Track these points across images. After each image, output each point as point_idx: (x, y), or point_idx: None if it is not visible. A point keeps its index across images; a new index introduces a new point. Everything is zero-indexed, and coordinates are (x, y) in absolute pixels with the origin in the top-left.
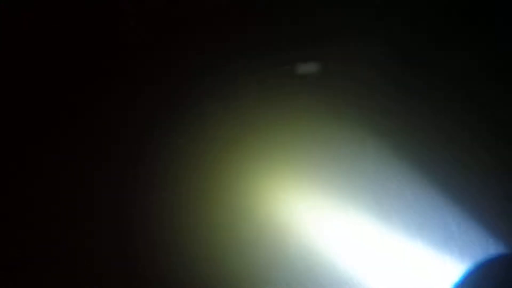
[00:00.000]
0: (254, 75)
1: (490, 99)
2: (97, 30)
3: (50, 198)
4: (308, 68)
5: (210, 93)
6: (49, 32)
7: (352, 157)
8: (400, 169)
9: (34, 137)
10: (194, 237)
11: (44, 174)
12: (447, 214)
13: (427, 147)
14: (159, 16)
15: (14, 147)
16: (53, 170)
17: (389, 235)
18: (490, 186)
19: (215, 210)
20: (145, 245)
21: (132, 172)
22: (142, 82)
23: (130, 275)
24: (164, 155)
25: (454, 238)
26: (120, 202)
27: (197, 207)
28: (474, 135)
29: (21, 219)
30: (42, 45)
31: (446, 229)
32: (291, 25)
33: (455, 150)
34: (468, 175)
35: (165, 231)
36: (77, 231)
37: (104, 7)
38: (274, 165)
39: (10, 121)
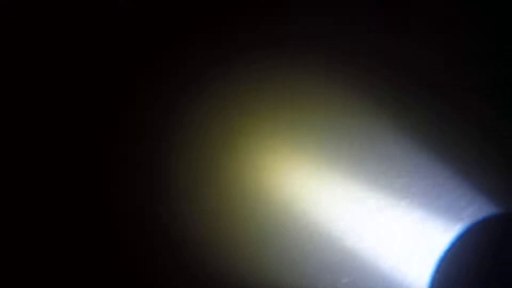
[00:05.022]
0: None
1: None
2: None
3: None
4: None
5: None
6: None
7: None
8: (393, 129)
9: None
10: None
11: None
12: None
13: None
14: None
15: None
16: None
17: (389, 202)
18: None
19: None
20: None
21: (146, 169)
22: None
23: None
24: (176, 150)
25: (444, 198)
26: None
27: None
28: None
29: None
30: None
31: (436, 189)
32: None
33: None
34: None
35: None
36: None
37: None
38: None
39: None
